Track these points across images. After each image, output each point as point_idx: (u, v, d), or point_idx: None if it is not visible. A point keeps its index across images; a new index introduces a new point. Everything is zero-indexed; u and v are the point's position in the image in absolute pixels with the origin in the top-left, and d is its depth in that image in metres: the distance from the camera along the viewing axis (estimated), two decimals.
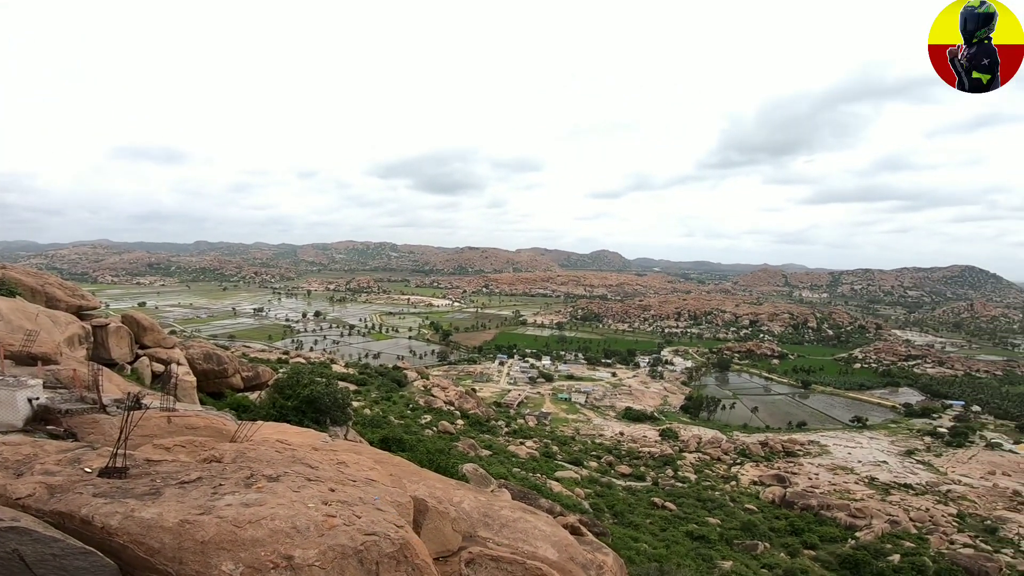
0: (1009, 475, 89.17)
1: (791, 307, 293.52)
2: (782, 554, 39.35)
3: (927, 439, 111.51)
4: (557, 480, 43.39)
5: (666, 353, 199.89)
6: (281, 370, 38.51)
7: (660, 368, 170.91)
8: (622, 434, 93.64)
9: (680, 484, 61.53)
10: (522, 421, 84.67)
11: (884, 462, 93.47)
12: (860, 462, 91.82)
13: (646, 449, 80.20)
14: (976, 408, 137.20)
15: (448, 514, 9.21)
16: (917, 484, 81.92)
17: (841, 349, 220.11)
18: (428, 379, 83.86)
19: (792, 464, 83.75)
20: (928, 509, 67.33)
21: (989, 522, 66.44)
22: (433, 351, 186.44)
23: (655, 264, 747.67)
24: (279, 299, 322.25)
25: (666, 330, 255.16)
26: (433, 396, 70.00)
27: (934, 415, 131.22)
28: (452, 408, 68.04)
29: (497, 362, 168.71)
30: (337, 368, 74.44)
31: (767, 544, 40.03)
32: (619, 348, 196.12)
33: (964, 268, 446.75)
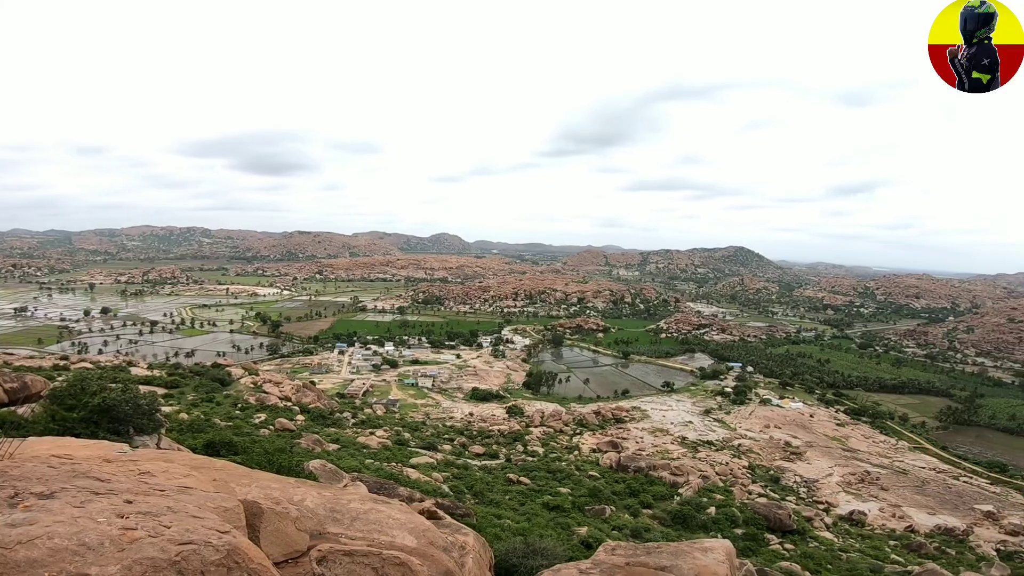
0: (780, 427, 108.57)
1: (611, 285, 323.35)
2: (626, 515, 42.30)
3: (719, 398, 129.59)
4: (413, 467, 41.93)
5: (506, 332, 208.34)
6: (59, 378, 31.00)
7: (502, 347, 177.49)
8: (471, 415, 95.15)
9: (531, 458, 63.73)
10: (369, 410, 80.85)
11: (690, 422, 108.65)
12: (673, 423, 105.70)
13: (496, 427, 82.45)
14: (750, 368, 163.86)
15: (288, 514, 8.26)
16: (716, 440, 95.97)
17: (651, 321, 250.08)
18: (257, 375, 75.25)
19: (622, 430, 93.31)
20: (728, 463, 78.87)
21: (772, 472, 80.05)
22: (261, 344, 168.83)
23: (493, 247, 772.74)
24: (49, 295, 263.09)
25: (505, 310, 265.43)
26: (265, 393, 62.92)
27: (721, 376, 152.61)
28: (290, 404, 61.95)
29: (337, 351, 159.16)
30: (138, 371, 62.95)
31: (613, 507, 43.14)
32: (462, 330, 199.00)
33: (737, 248, 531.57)
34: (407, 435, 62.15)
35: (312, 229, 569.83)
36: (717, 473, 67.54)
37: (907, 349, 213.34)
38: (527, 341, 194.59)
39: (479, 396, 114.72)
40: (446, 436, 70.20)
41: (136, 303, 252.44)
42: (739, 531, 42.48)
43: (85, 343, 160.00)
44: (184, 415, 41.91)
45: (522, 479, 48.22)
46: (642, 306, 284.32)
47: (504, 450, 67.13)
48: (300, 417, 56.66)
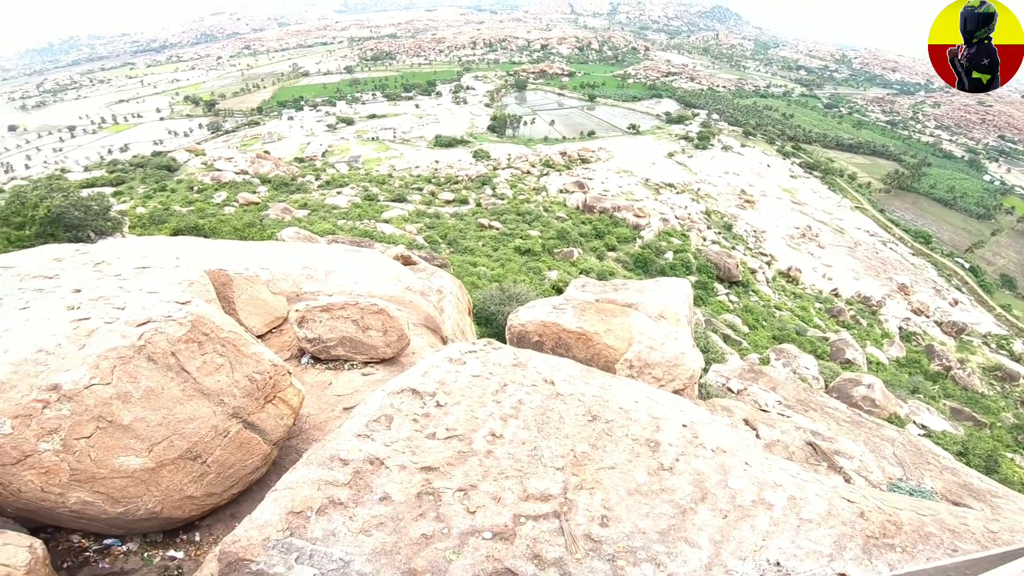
0: (738, 174, 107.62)
1: (577, 32, 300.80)
2: (592, 258, 43.59)
3: (683, 143, 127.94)
4: (386, 222, 42.49)
5: (466, 79, 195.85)
6: None
7: (462, 94, 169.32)
8: (437, 162, 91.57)
9: (500, 201, 62.36)
10: (333, 170, 77.25)
11: (654, 164, 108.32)
12: (637, 164, 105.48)
13: (463, 172, 79.44)
14: (715, 116, 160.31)
15: (257, 278, 8.18)
16: (678, 184, 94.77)
17: (618, 67, 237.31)
18: (205, 154, 71.20)
19: (588, 170, 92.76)
20: (687, 207, 77.94)
21: (726, 219, 79.59)
22: (200, 125, 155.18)
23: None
24: None
25: (463, 59, 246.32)
26: (219, 170, 60.27)
27: (687, 122, 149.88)
28: (247, 176, 59.85)
29: (286, 117, 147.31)
30: (75, 176, 58.65)
31: (580, 249, 43.88)
32: (418, 81, 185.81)
33: (715, 6, 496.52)
34: (375, 190, 60.90)
35: (224, 9, 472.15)
36: (676, 217, 67.22)
37: (871, 114, 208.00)
38: (489, 87, 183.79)
39: (443, 143, 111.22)
40: (414, 187, 67.43)
41: (42, 113, 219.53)
42: (693, 278, 43.51)
43: (7, 163, 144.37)
44: (141, 209, 40.37)
45: (493, 223, 48.59)
46: (609, 53, 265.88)
47: (473, 195, 65.08)
48: (262, 188, 55.48)
